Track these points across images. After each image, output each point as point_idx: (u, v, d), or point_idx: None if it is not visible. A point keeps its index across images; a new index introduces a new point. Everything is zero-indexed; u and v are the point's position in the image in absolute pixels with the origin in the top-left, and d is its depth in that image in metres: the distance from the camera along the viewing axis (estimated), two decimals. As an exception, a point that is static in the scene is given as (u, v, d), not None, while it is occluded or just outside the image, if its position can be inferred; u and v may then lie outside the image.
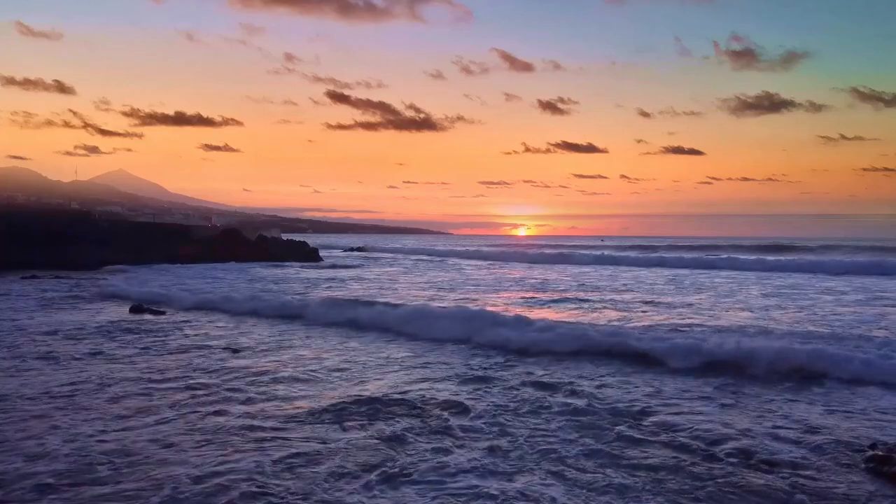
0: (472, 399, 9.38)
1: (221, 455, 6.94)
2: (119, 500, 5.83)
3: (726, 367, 11.34)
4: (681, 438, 7.70)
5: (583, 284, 31.49)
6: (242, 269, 40.79)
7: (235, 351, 13.14)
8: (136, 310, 19.07)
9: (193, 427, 7.90)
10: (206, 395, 9.50)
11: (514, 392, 9.84)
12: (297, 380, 10.55)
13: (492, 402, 9.26)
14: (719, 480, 6.48)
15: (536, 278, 35.99)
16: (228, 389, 9.82)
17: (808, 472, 6.74)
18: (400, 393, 9.67)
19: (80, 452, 6.93)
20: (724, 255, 57.61)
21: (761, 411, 8.91)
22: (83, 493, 5.97)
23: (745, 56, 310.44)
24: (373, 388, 9.98)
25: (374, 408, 8.87)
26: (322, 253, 57.74)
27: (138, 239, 45.13)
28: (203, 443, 7.34)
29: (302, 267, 44.64)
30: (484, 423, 8.21)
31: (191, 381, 10.30)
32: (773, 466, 6.87)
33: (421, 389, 9.93)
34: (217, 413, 8.54)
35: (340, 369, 11.45)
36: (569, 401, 9.30)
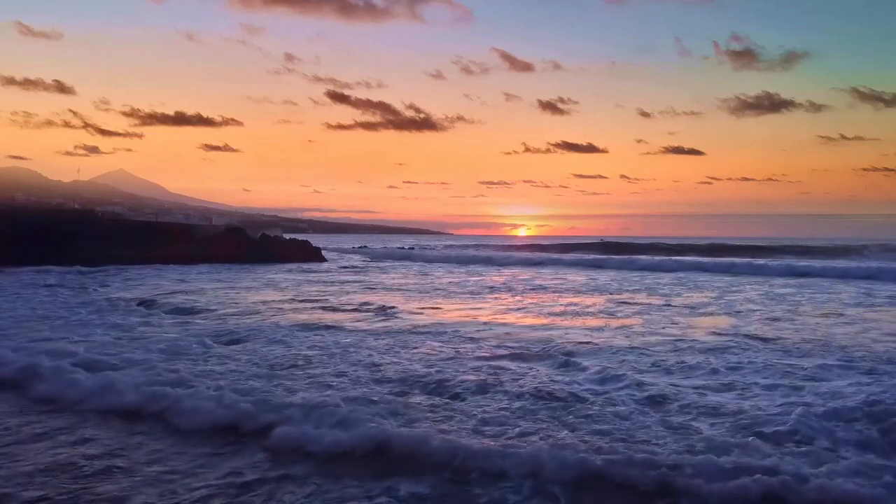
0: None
1: None
2: None
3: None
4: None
5: (590, 286, 31.11)
6: (228, 269, 40.36)
7: None
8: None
9: None
10: None
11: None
12: None
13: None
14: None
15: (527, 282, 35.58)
16: None
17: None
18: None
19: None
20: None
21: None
22: None
23: (745, 56, 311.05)
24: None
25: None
26: (324, 254, 56.92)
27: (139, 238, 44.77)
28: None
29: (295, 269, 43.90)
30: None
31: None
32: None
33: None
34: None
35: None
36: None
